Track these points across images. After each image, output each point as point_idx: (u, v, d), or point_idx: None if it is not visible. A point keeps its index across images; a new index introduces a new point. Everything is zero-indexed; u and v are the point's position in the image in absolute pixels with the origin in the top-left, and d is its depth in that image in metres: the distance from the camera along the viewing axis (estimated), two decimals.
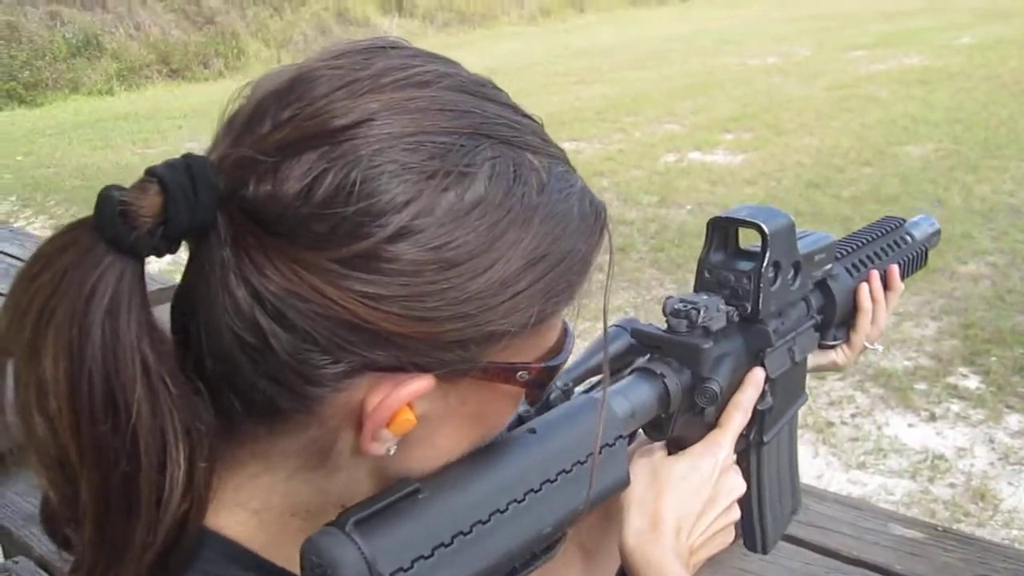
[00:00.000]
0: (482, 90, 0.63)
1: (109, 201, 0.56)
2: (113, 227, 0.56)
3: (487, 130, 0.61)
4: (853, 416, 3.74)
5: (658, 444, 0.94)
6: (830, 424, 3.69)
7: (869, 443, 3.54)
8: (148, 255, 0.58)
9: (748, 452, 1.04)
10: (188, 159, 0.58)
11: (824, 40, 14.39)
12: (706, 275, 0.97)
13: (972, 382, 3.92)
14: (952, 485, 3.25)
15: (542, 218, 0.61)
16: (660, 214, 6.54)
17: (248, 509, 0.65)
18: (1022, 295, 4.72)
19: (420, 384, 0.60)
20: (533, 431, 0.74)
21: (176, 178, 0.56)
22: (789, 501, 1.13)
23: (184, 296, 0.61)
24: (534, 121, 0.66)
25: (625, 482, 0.79)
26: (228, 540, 0.65)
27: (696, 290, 0.97)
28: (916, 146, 7.80)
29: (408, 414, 0.61)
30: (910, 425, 3.65)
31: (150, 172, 0.57)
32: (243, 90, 0.62)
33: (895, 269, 1.27)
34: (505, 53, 15.23)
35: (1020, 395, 3.77)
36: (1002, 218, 5.89)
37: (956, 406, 3.75)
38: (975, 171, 6.90)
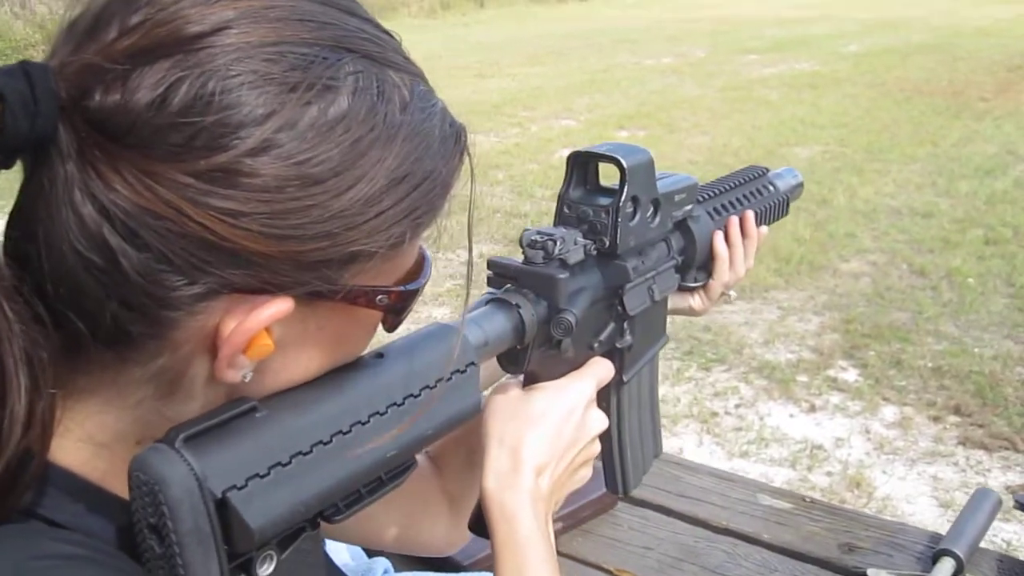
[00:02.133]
0: (344, 3, 0.61)
1: None
2: None
3: (349, 43, 0.59)
4: (737, 407, 3.81)
5: (514, 380, 0.94)
6: (714, 414, 3.74)
7: (752, 433, 3.60)
8: None
9: (608, 391, 1.04)
10: (25, 65, 0.53)
11: (719, 43, 14.66)
12: (565, 210, 0.96)
13: (851, 375, 4.02)
14: (829, 473, 3.32)
15: (405, 136, 0.60)
16: (553, 207, 6.55)
17: (90, 442, 0.63)
18: (900, 292, 4.86)
19: (279, 307, 0.58)
20: (381, 355, 0.72)
21: (13, 85, 0.52)
22: (651, 444, 1.14)
23: (21, 217, 0.57)
24: (395, 39, 0.65)
25: (476, 409, 0.79)
26: (66, 471, 0.62)
27: (556, 225, 0.96)
28: (804, 148, 8.00)
29: (266, 339, 0.59)
30: (791, 416, 3.72)
31: None
32: None
33: (750, 215, 1.28)
34: (404, 45, 15.13)
35: (896, 388, 3.88)
36: (883, 219, 6.07)
37: (835, 398, 3.84)
38: (859, 173, 7.10)
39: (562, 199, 0.97)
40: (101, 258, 0.54)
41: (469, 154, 0.67)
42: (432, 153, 0.62)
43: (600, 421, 0.94)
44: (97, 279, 0.55)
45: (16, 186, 0.58)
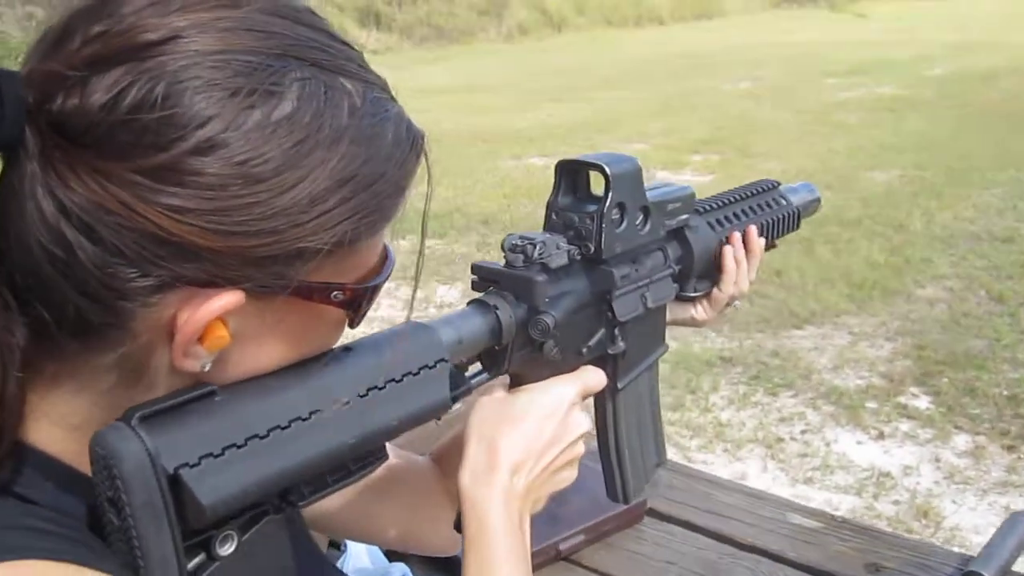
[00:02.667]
0: (296, 15, 0.65)
1: None
2: None
3: (296, 52, 0.62)
4: (803, 432, 3.74)
5: (499, 381, 0.95)
6: (779, 440, 3.68)
7: (817, 459, 3.53)
8: None
9: (604, 398, 1.05)
10: None
11: (798, 67, 14.49)
12: (553, 217, 0.98)
13: (922, 402, 3.93)
14: (896, 502, 3.25)
15: (351, 139, 0.63)
16: None
17: (63, 425, 0.66)
18: (977, 319, 4.74)
19: (228, 299, 0.62)
20: (349, 349, 0.75)
21: None
22: (653, 454, 1.14)
23: None
24: (353, 49, 0.68)
25: (445, 404, 0.81)
26: (40, 452, 0.66)
27: (544, 231, 0.98)
28: (881, 172, 7.86)
29: (221, 331, 0.63)
30: (858, 443, 3.65)
31: None
32: (54, 10, 0.62)
33: (753, 230, 1.28)
34: (480, 70, 15.29)
35: (969, 416, 3.78)
36: (961, 244, 5.92)
37: (905, 425, 3.75)
38: (938, 198, 6.94)
39: (550, 206, 0.99)
40: (61, 251, 0.58)
41: (427, 158, 0.72)
42: (382, 156, 0.66)
43: (583, 423, 0.95)
44: (59, 271, 0.59)
45: None
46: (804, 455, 3.57)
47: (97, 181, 0.57)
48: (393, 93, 0.71)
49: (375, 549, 1.39)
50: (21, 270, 0.60)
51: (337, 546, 1.35)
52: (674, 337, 4.52)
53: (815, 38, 18.54)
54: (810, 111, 10.77)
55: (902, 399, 3.96)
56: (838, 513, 3.19)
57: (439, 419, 0.87)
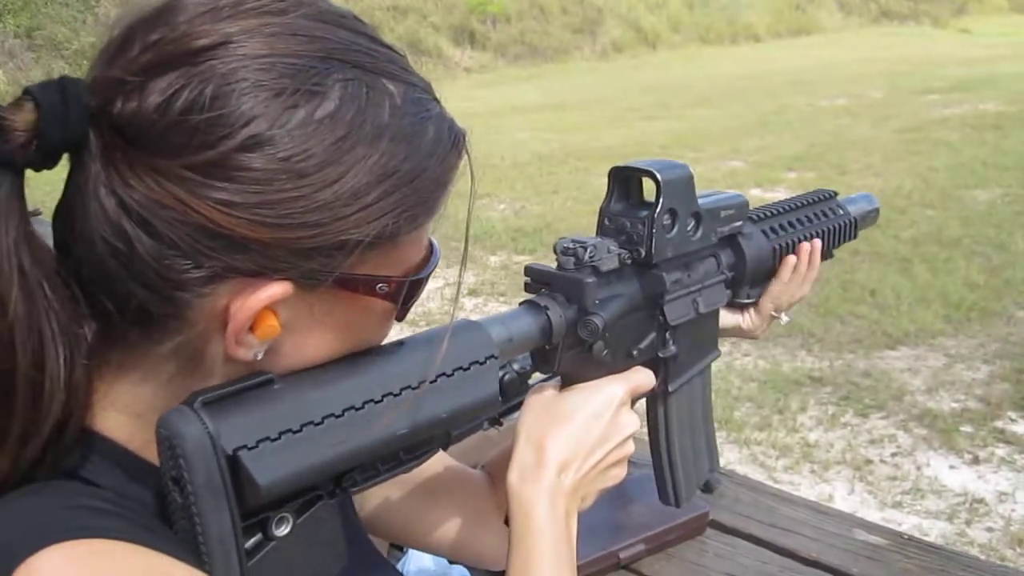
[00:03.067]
0: (339, 19, 0.68)
1: None
2: None
3: (339, 55, 0.66)
4: (893, 455, 3.65)
5: (552, 382, 0.97)
6: (868, 461, 3.60)
7: (907, 483, 3.44)
8: (25, 168, 0.62)
9: (655, 402, 1.07)
10: (63, 80, 0.63)
11: (898, 83, 14.20)
12: (606, 223, 1.00)
13: (1021, 427, 3.81)
14: (990, 529, 3.15)
15: (392, 137, 0.66)
16: None
17: (128, 413, 0.70)
18: None
19: (277, 288, 0.65)
20: (401, 344, 0.78)
21: (49, 96, 0.61)
22: (705, 460, 1.15)
23: (63, 209, 0.66)
24: (395, 52, 0.71)
25: (494, 399, 0.83)
26: (107, 439, 0.69)
27: (597, 236, 1.00)
28: (983, 190, 7.64)
29: (272, 320, 0.66)
30: (951, 467, 3.54)
31: (26, 91, 0.62)
32: (116, 20, 0.66)
33: (806, 246, 1.28)
34: (573, 87, 15.31)
35: None
36: None
37: (1002, 450, 3.63)
38: None
39: (603, 212, 1.01)
40: (123, 245, 0.62)
41: (468, 155, 0.73)
42: (423, 153, 0.68)
43: (632, 422, 0.96)
44: (121, 264, 0.63)
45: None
46: (894, 478, 3.49)
47: (153, 179, 0.61)
48: (436, 95, 0.73)
49: None
50: (87, 264, 0.64)
51: (400, 548, 1.37)
52: (762, 356, 4.50)
53: (916, 54, 18.15)
54: (910, 128, 10.53)
55: (999, 423, 3.84)
56: (927, 538, 3.14)
57: (495, 423, 0.88)
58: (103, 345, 0.68)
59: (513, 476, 0.90)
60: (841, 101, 12.88)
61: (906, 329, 4.83)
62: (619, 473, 0.97)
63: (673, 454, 1.09)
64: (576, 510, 0.92)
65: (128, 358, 0.69)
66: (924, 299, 5.21)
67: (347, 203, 0.64)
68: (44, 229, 0.67)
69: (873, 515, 3.24)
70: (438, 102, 0.73)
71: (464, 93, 13.69)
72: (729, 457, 3.63)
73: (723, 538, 1.54)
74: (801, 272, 1.26)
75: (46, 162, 0.63)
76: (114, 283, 0.64)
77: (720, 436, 3.70)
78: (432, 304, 5.19)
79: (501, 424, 0.95)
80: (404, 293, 0.73)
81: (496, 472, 1.09)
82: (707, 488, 1.56)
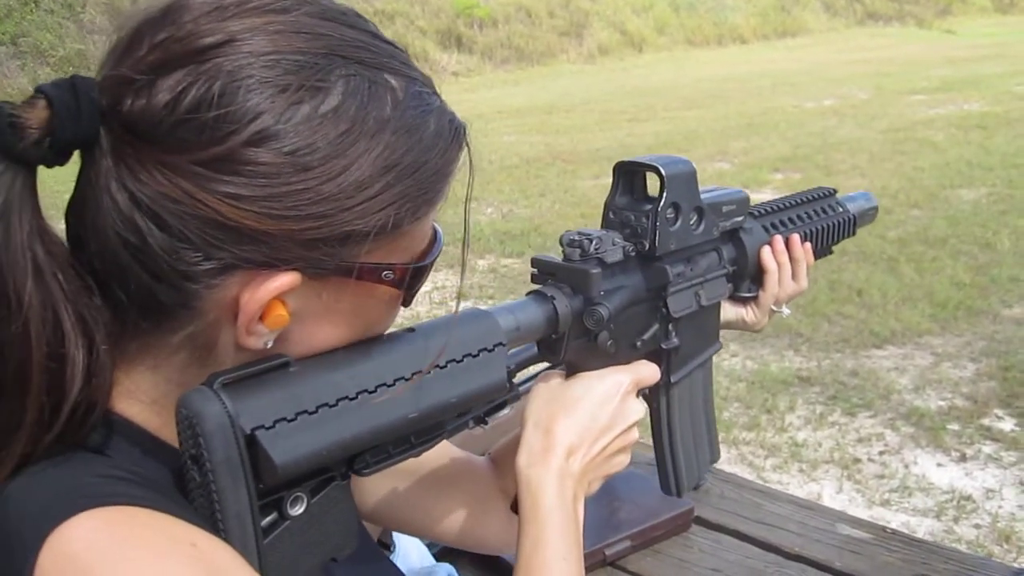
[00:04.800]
0: (341, 17, 0.70)
1: (0, 114, 0.62)
2: (3, 137, 0.62)
3: (342, 51, 0.68)
4: (881, 453, 3.67)
5: (558, 371, 1.00)
6: (856, 460, 3.62)
7: (895, 481, 3.46)
8: (38, 164, 0.64)
9: (657, 392, 1.08)
10: (74, 79, 0.64)
11: (884, 84, 14.24)
12: (611, 216, 1.02)
13: (1007, 424, 3.82)
14: (977, 526, 3.16)
15: (394, 130, 0.68)
16: None
17: (144, 399, 0.73)
18: None
19: (285, 279, 0.67)
20: (412, 330, 0.81)
21: (61, 94, 0.63)
22: (707, 451, 1.17)
23: (76, 204, 0.68)
24: (397, 48, 0.73)
25: (501, 385, 0.85)
26: (127, 421, 0.72)
27: (602, 229, 1.02)
28: (969, 190, 7.68)
29: (281, 310, 0.68)
30: (939, 465, 3.56)
31: (38, 89, 0.64)
32: (124, 20, 0.68)
33: (795, 238, 1.30)
34: (561, 90, 15.32)
35: None
36: None
37: (988, 447, 3.65)
38: None
39: (608, 206, 1.03)
40: (135, 238, 0.65)
41: (468, 147, 0.76)
42: (424, 146, 0.71)
43: (638, 410, 0.99)
44: (133, 256, 0.65)
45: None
46: (882, 476, 3.50)
47: (163, 173, 0.63)
48: (437, 90, 0.76)
49: (424, 549, 1.42)
50: (100, 257, 0.67)
51: (387, 546, 1.38)
52: (750, 356, 4.51)
53: (901, 55, 18.22)
54: (895, 129, 10.57)
55: (986, 421, 3.86)
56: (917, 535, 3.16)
57: (480, 421, 0.89)
58: (120, 335, 0.70)
59: (522, 459, 0.93)
60: (827, 102, 12.92)
61: (893, 328, 4.85)
62: (624, 459, 0.99)
63: (675, 445, 1.11)
64: (583, 494, 0.95)
65: (142, 347, 0.72)
66: (911, 298, 5.24)
67: (351, 195, 0.66)
68: None
69: (861, 513, 3.24)
70: (439, 96, 0.75)
71: (451, 97, 13.37)
72: None
73: (708, 534, 1.56)
74: (787, 265, 1.28)
75: (58, 159, 0.65)
76: (127, 275, 0.66)
77: None
78: (420, 308, 5.19)
79: (486, 423, 0.96)
80: (409, 279, 0.75)
81: (502, 460, 1.12)
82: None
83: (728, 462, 3.61)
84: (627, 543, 1.51)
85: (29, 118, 0.62)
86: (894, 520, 3.21)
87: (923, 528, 3.17)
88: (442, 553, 1.45)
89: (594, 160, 9.35)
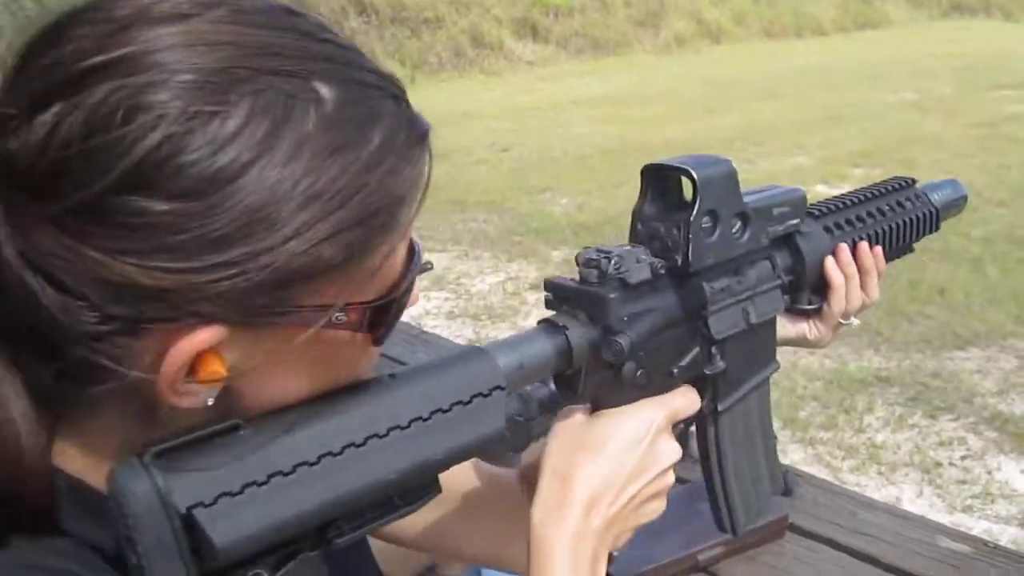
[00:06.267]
0: (258, 19, 0.59)
1: None
2: None
3: (248, 62, 0.57)
4: (963, 458, 3.60)
5: (580, 406, 0.88)
6: (938, 464, 3.55)
7: (977, 487, 3.39)
8: None
9: (705, 422, 0.97)
10: None
11: (968, 78, 13.88)
12: (639, 227, 0.91)
13: None
14: None
15: (315, 152, 0.58)
16: None
17: (98, 454, 0.65)
18: None
19: (206, 334, 0.58)
20: (393, 376, 0.71)
21: None
22: (766, 483, 1.05)
23: None
24: (342, 47, 0.62)
25: (499, 435, 0.74)
26: (74, 478, 0.65)
27: (630, 242, 0.91)
28: None
29: (215, 365, 0.59)
30: (1023, 471, 3.48)
31: None
32: (15, 38, 0.59)
33: (863, 246, 1.16)
34: (635, 81, 15.19)
35: None
36: None
37: None
38: None
39: (636, 215, 0.91)
40: (28, 297, 0.56)
41: (430, 153, 0.65)
42: (362, 165, 0.59)
43: (673, 451, 0.87)
44: (34, 315, 0.57)
45: None
46: (963, 482, 3.43)
47: (43, 227, 0.55)
48: (402, 86, 0.65)
49: None
50: (5, 318, 0.59)
51: None
52: (828, 355, 4.44)
53: (986, 48, 17.73)
54: (980, 124, 10.30)
55: None
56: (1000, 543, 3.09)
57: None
58: (55, 396, 0.63)
59: (536, 514, 0.82)
60: (909, 96, 12.63)
61: (976, 330, 4.74)
62: (659, 507, 0.88)
63: (727, 478, 1.00)
64: (607, 551, 0.83)
65: (79, 407, 0.64)
66: (995, 299, 5.11)
67: (262, 237, 0.56)
68: None
69: (942, 519, 3.19)
70: (400, 99, 0.64)
71: (526, 86, 13.67)
72: (794, 457, 3.59)
73: (802, 542, 1.52)
74: (855, 276, 1.14)
75: None
76: (32, 335, 0.58)
77: (784, 435, 3.69)
78: (494, 298, 5.20)
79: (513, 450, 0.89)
80: (369, 320, 0.64)
81: (526, 479, 1.01)
82: (786, 491, 1.53)
83: (804, 462, 3.57)
84: (720, 548, 1.49)
85: None
86: (976, 527, 3.15)
87: (1006, 536, 3.10)
88: None
89: (669, 151, 8.99)
